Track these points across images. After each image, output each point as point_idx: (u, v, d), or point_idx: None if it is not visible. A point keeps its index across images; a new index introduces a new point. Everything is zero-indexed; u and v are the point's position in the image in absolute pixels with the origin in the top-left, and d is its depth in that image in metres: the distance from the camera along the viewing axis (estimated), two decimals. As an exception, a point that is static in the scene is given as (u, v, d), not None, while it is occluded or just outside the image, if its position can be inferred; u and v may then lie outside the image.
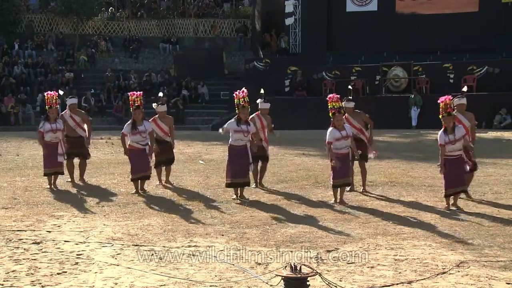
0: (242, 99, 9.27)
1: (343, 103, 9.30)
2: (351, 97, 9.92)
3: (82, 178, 11.18)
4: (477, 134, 9.95)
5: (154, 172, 10.56)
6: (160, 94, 11.37)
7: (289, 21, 28.40)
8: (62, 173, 10.66)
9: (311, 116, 22.45)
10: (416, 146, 17.31)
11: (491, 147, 15.42)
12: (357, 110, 9.98)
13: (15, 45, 31.29)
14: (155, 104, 10.70)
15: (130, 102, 10.02)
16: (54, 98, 10.56)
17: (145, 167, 9.95)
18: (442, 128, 8.49)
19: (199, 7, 34.73)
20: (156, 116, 10.66)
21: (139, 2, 35.65)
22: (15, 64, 29.89)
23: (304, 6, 28.25)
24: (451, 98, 8.54)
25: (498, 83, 23.87)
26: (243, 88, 9.42)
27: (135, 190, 9.94)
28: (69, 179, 11.08)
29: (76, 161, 11.28)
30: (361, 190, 9.94)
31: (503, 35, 25.69)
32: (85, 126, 11.12)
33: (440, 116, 8.48)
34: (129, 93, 10.37)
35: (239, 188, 9.43)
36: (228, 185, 9.48)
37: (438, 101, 8.46)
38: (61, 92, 11.29)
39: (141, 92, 10.36)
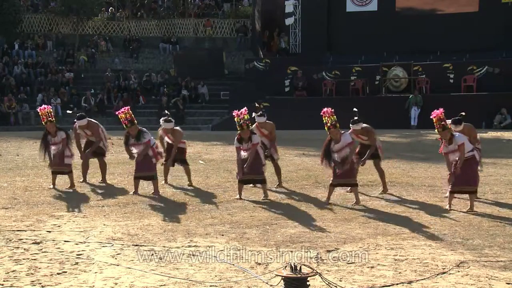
0: (242, 120, 9.23)
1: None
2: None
3: (104, 180, 11.13)
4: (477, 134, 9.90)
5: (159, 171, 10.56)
6: (166, 112, 11.26)
7: (289, 21, 28.38)
8: (66, 173, 10.59)
9: (311, 116, 22.38)
10: (416, 146, 17.31)
11: (491, 147, 15.41)
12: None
13: (15, 45, 31.30)
14: (162, 120, 10.68)
15: (122, 120, 9.96)
16: (48, 112, 10.34)
17: (145, 167, 9.90)
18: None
19: (199, 7, 34.73)
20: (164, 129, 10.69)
21: (139, 2, 35.65)
22: (15, 64, 29.90)
23: (304, 6, 28.24)
24: (443, 111, 8.40)
25: (498, 83, 23.88)
26: (244, 109, 9.38)
27: (134, 190, 9.91)
28: (81, 179, 11.08)
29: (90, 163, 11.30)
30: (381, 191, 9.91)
31: (503, 35, 25.69)
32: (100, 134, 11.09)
33: (436, 130, 8.47)
34: (117, 113, 10.14)
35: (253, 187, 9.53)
36: (241, 181, 9.47)
37: (431, 117, 8.42)
38: (69, 112, 11.20)
39: (128, 107, 10.14)
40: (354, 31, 27.11)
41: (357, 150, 9.64)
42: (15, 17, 31.42)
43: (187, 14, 34.09)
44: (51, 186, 10.49)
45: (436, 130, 8.47)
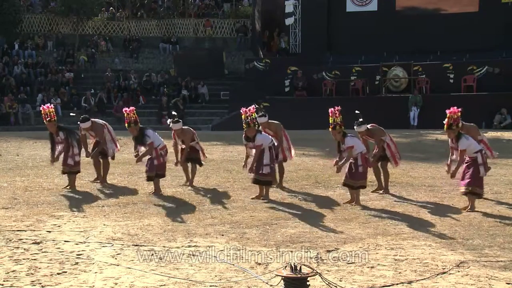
0: (249, 117, 9.24)
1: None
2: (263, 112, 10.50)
3: (105, 179, 11.14)
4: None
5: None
6: (174, 112, 11.29)
7: (289, 21, 28.38)
8: (68, 173, 10.56)
9: (311, 116, 22.46)
10: (416, 146, 17.31)
11: (491, 147, 15.39)
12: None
13: (15, 45, 31.32)
14: (169, 121, 10.70)
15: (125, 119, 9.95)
16: (49, 111, 10.35)
17: (148, 167, 9.91)
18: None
19: (199, 7, 34.73)
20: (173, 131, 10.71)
21: (139, 2, 35.65)
22: (15, 64, 29.91)
23: (304, 6, 28.25)
24: (460, 111, 8.39)
25: (498, 83, 23.88)
26: (252, 106, 9.39)
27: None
28: (93, 179, 11.15)
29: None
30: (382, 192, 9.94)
31: (503, 35, 25.70)
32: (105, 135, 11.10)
33: (445, 127, 8.49)
34: (124, 110, 10.14)
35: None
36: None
37: (447, 111, 8.42)
38: (72, 114, 11.17)
39: (133, 108, 10.09)
40: (354, 31, 27.11)
41: (374, 151, 9.79)
42: (15, 17, 31.43)
43: (187, 14, 34.10)
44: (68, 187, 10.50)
45: (445, 126, 8.46)
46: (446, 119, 8.39)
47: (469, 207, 8.45)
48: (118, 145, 11.55)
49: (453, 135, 8.42)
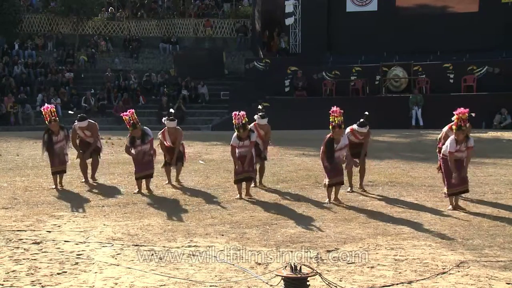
0: (240, 124, 9.29)
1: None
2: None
3: (93, 176, 11.16)
4: (477, 134, 9.93)
5: (160, 172, 10.57)
6: (171, 110, 11.34)
7: (289, 21, 28.36)
8: (65, 172, 10.66)
9: (311, 116, 22.45)
10: (416, 146, 17.31)
11: (491, 147, 15.42)
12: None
13: (15, 45, 31.31)
14: (165, 118, 10.72)
15: (126, 122, 9.99)
16: (51, 111, 10.41)
17: (149, 166, 9.97)
18: (454, 136, 8.41)
19: (199, 7, 34.73)
20: (166, 128, 10.68)
21: (139, 2, 35.64)
22: (15, 64, 29.90)
23: (304, 6, 28.22)
24: (468, 112, 8.36)
25: (498, 83, 23.87)
26: (242, 112, 9.44)
27: (137, 189, 9.95)
28: (83, 179, 11.10)
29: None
30: (358, 187, 10.01)
31: (503, 35, 25.68)
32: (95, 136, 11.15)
33: (453, 128, 8.43)
34: (122, 115, 10.18)
35: (245, 185, 9.58)
36: (235, 181, 9.57)
37: (454, 112, 8.36)
38: (70, 112, 11.24)
39: (132, 110, 10.17)
40: (354, 31, 27.09)
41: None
42: (15, 17, 31.43)
43: (187, 14, 34.07)
44: (53, 187, 10.49)
45: (453, 127, 8.43)
46: (455, 120, 8.33)
47: (454, 204, 8.54)
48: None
49: (463, 136, 8.32)
